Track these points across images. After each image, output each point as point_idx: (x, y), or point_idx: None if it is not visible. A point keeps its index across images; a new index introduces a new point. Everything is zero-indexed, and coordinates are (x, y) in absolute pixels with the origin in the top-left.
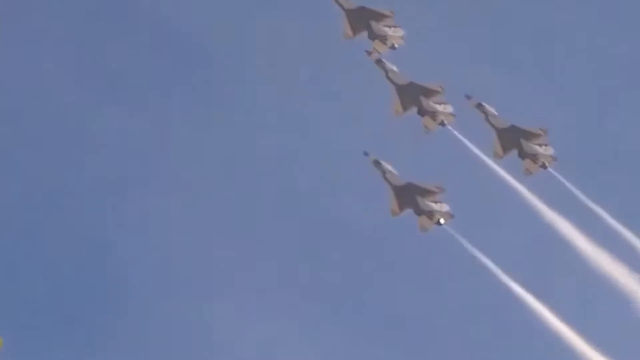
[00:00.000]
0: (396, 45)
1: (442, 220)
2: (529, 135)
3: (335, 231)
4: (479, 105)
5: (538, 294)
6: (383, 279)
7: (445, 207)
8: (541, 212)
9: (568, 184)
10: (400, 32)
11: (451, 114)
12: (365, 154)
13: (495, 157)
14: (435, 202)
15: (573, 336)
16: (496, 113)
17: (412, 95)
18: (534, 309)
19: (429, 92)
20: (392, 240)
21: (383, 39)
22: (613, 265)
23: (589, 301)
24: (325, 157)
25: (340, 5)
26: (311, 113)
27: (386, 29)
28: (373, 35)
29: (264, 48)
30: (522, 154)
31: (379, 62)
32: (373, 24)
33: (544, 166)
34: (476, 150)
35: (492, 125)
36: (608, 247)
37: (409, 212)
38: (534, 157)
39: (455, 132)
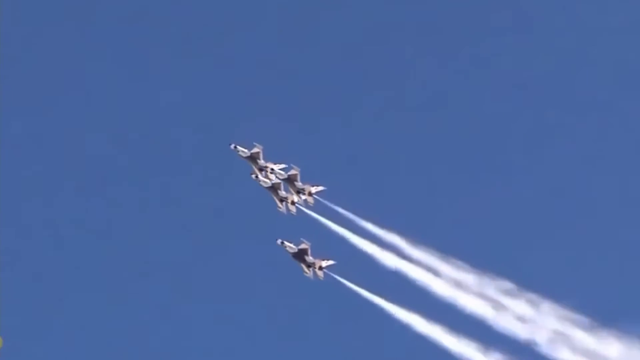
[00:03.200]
0: (275, 169)
1: (323, 265)
2: (295, 177)
3: None
4: (272, 171)
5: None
6: None
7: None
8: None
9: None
10: (281, 165)
11: (296, 199)
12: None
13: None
14: (311, 256)
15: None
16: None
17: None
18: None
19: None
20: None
21: (266, 168)
22: None
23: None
24: None
25: (240, 157)
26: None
27: (268, 163)
28: (260, 168)
29: None
30: (299, 192)
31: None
32: (259, 162)
33: (310, 194)
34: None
35: (281, 180)
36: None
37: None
38: (303, 191)
39: (302, 207)
